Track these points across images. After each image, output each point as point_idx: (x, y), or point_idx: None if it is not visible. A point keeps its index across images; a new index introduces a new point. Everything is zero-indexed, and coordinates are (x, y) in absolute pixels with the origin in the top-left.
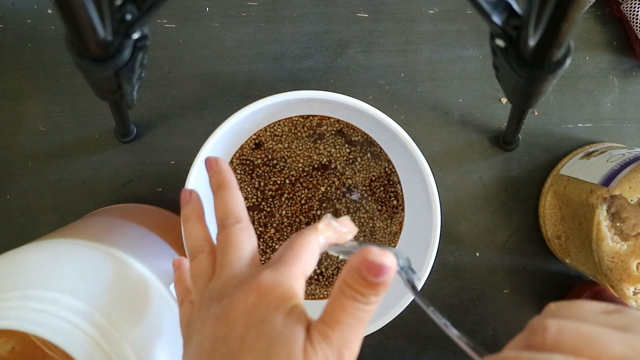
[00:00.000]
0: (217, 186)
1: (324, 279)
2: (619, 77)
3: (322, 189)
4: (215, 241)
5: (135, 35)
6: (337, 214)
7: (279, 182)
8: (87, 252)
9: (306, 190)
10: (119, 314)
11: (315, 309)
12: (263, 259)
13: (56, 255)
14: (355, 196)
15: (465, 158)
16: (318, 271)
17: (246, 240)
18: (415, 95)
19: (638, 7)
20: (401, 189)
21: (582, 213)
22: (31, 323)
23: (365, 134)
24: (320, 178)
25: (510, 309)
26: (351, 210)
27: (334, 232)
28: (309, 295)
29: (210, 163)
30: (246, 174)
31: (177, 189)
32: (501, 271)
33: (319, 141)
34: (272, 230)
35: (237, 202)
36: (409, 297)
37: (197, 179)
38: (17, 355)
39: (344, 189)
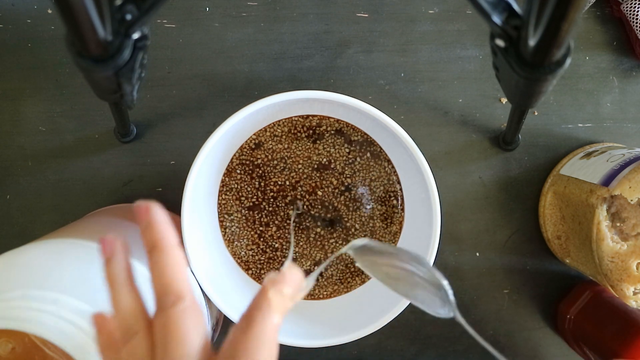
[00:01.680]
0: (150, 246)
1: (324, 279)
2: (619, 77)
3: (322, 188)
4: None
5: (135, 35)
6: (337, 214)
7: (279, 182)
8: (87, 252)
9: (306, 190)
10: None
11: (315, 309)
12: (262, 258)
13: (56, 255)
14: (359, 193)
15: (465, 158)
16: None
17: (192, 328)
18: (415, 95)
19: (638, 7)
20: (401, 188)
21: (582, 213)
22: (31, 323)
23: (365, 133)
24: (319, 178)
25: (510, 309)
26: (351, 210)
27: (289, 299)
28: (309, 295)
29: (140, 212)
30: (246, 173)
31: (177, 189)
32: (501, 271)
33: (318, 141)
34: (274, 228)
35: (177, 270)
36: None
37: (197, 179)
38: (17, 355)
39: (342, 189)
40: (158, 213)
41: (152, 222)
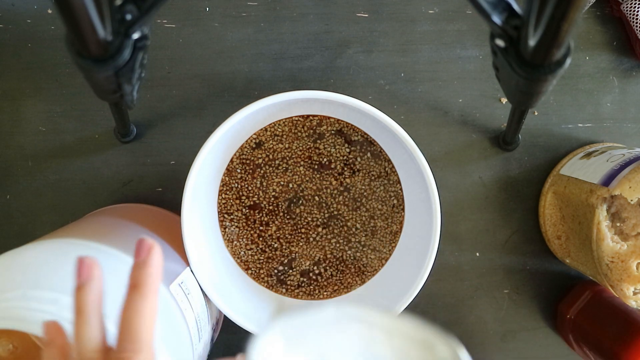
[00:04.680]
0: (134, 284)
1: (323, 279)
2: (619, 77)
3: (322, 188)
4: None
5: (135, 35)
6: (337, 213)
7: (281, 182)
8: (87, 252)
9: (306, 189)
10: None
11: None
12: (262, 258)
13: (56, 255)
14: (358, 193)
15: (465, 158)
16: (317, 271)
17: None
18: (415, 95)
19: (638, 7)
20: (401, 188)
21: (582, 213)
22: (31, 323)
23: (365, 133)
24: (320, 177)
25: (510, 309)
26: (351, 209)
27: None
28: (308, 295)
29: (141, 247)
30: (247, 173)
31: (177, 189)
32: (501, 271)
33: (318, 141)
34: (274, 228)
35: (148, 320)
36: (409, 297)
37: (197, 179)
38: (17, 355)
39: (342, 188)
40: (158, 256)
41: (148, 262)
